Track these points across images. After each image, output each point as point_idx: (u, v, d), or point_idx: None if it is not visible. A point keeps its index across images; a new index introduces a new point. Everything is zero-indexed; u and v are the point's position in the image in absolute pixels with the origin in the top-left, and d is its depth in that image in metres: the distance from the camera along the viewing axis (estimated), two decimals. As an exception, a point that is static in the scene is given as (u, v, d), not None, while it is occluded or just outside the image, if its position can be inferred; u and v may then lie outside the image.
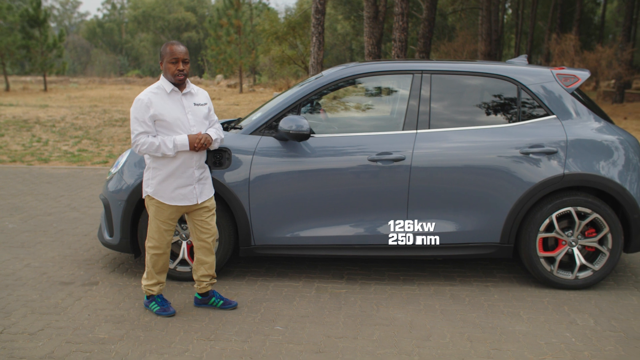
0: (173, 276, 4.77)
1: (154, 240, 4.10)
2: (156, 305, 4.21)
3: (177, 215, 4.11)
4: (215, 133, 4.15)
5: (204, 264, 4.25)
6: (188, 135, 3.94)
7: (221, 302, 4.33)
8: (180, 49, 3.94)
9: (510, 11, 45.58)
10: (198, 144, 3.95)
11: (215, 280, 4.36)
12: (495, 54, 29.40)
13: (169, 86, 3.97)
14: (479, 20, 27.27)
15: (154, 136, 3.91)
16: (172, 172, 3.98)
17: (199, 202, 4.10)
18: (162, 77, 4.03)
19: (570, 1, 35.71)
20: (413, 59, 25.54)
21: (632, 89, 35.68)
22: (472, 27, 36.53)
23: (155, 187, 4.00)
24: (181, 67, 3.92)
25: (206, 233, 4.19)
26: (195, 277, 4.29)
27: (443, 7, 35.86)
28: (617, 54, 24.68)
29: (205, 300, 4.33)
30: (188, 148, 3.94)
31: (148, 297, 4.27)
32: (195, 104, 4.06)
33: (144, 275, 4.23)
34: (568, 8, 35.93)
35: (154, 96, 3.92)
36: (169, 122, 3.92)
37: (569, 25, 34.48)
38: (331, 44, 52.84)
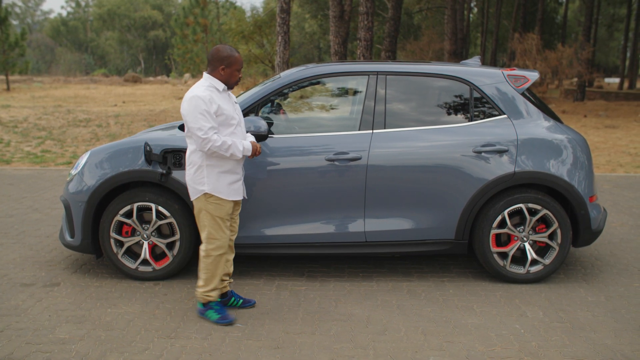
0: (135, 276, 4.82)
1: (217, 241, 4.05)
2: (215, 313, 4.10)
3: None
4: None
5: (228, 262, 4.31)
6: (251, 142, 4.07)
7: (241, 301, 4.39)
8: None
9: (476, 10, 46.21)
10: (256, 153, 4.12)
11: (232, 280, 4.47)
12: (461, 53, 29.77)
13: (220, 85, 4.01)
14: (444, 19, 27.60)
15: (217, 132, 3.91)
16: (229, 168, 4.03)
17: (245, 197, 4.30)
18: (209, 76, 4.01)
19: (534, 0, 36.34)
20: (379, 58, 25.76)
21: (594, 87, 36.49)
22: (438, 26, 36.95)
23: (214, 184, 3.98)
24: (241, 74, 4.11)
25: (234, 231, 4.31)
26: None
27: (409, 6, 36.19)
28: (577, 53, 25.27)
29: (225, 301, 4.34)
30: (249, 154, 4.04)
31: (204, 305, 4.15)
32: (234, 102, 4.18)
33: (200, 282, 4.11)
34: (531, 7, 36.56)
35: (210, 93, 3.91)
36: (226, 116, 3.95)
37: (532, 25, 35.09)
38: (299, 42, 52.91)
